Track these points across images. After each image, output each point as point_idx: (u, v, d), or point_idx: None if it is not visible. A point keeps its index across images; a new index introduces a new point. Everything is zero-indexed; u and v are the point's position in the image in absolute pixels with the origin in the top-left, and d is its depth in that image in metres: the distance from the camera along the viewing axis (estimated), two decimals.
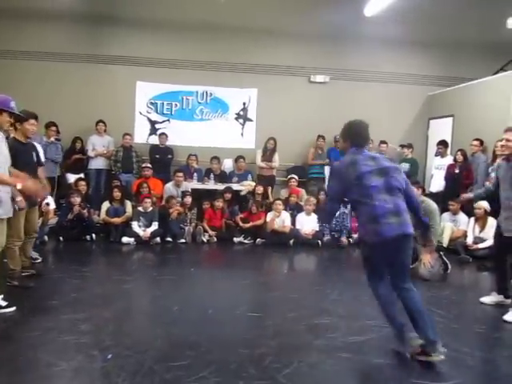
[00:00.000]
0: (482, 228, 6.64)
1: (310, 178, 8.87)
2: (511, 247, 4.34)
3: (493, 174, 4.85)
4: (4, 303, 3.91)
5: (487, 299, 4.56)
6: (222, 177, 8.55)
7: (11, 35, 8.62)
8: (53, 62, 8.76)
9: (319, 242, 7.29)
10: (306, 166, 9.06)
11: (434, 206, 5.73)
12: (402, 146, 8.70)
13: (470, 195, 5.13)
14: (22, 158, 4.35)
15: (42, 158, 5.11)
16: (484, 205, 6.51)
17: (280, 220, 7.37)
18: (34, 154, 4.68)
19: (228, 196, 7.77)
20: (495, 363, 3.39)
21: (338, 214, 7.43)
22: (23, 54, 8.67)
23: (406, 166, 8.47)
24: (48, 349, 3.22)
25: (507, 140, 4.24)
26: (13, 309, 3.93)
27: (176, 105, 9.25)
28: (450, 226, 6.86)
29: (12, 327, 3.56)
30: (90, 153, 8.36)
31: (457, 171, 7.50)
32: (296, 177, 8.42)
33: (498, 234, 4.45)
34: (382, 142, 8.76)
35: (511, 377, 3.17)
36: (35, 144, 4.92)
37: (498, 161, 4.67)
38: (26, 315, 3.84)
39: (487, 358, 3.43)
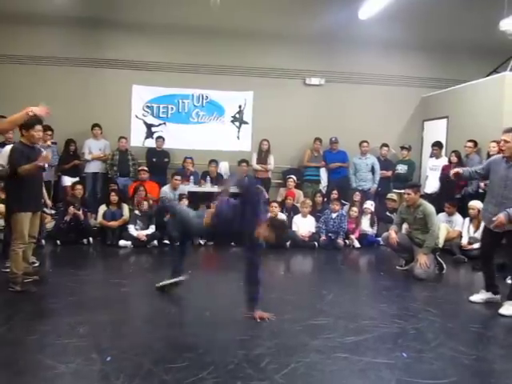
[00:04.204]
0: (477, 228, 6.69)
1: (305, 180, 8.91)
2: (498, 242, 4.43)
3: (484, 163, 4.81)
4: None
5: (476, 297, 4.60)
6: (219, 179, 8.59)
7: (6, 39, 8.62)
8: (48, 66, 8.76)
9: (316, 243, 7.33)
10: (302, 167, 9.10)
11: (431, 209, 5.77)
12: (402, 148, 8.74)
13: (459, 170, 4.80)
14: (31, 161, 4.40)
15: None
16: (478, 205, 6.57)
17: None
18: None
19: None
20: (490, 361, 3.43)
21: (335, 215, 7.49)
22: (18, 58, 8.66)
23: (403, 168, 8.54)
24: (47, 352, 3.23)
25: (505, 141, 4.22)
26: None
27: (172, 108, 9.28)
28: (446, 226, 6.91)
29: (10, 330, 3.56)
30: (87, 156, 8.38)
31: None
32: (294, 177, 8.47)
33: (488, 230, 4.48)
34: (384, 144, 8.83)
35: (505, 374, 3.20)
36: (40, 148, 5.00)
37: (495, 156, 4.57)
38: (23, 318, 3.85)
39: (482, 356, 3.46)
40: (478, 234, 6.63)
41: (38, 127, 4.52)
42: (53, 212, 6.38)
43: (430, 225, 5.66)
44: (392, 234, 5.87)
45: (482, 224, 5.99)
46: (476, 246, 6.56)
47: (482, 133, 7.38)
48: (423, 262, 5.50)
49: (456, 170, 4.79)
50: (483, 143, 7.33)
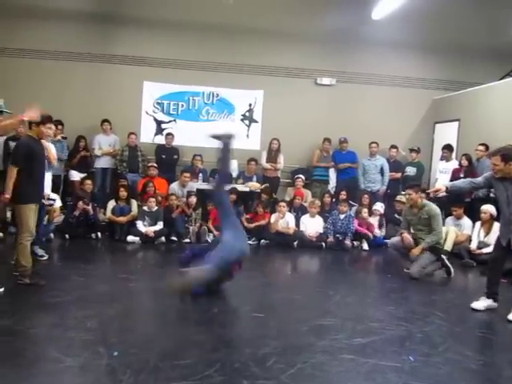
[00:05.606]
0: (487, 232, 6.63)
1: (314, 180, 8.89)
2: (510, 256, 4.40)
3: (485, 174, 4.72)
4: None
5: (479, 305, 4.47)
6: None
7: (18, 34, 8.68)
8: (60, 60, 8.80)
9: (323, 244, 7.31)
10: (311, 167, 9.08)
11: (436, 210, 5.83)
12: (411, 150, 8.69)
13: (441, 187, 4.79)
14: (37, 154, 4.45)
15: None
16: (490, 209, 6.52)
17: (284, 221, 7.39)
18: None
19: (233, 197, 7.77)
20: (497, 367, 3.40)
21: (343, 216, 7.46)
22: (31, 53, 8.72)
23: (412, 170, 8.49)
24: (54, 345, 3.26)
25: (494, 165, 4.31)
26: (1, 289, 4.13)
27: (182, 105, 9.29)
28: (454, 230, 6.88)
29: (18, 323, 3.58)
30: (97, 151, 8.41)
31: (461, 176, 7.49)
32: (303, 177, 8.46)
33: (503, 245, 4.38)
34: (393, 146, 8.79)
35: None
36: (47, 143, 5.08)
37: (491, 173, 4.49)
38: (32, 311, 3.88)
39: (490, 361, 3.44)
40: (488, 239, 6.58)
41: (49, 125, 4.56)
42: (51, 202, 6.21)
43: (435, 226, 5.73)
44: (405, 235, 5.87)
45: (495, 228, 5.92)
46: (485, 250, 6.51)
47: (494, 136, 7.29)
48: (415, 251, 5.63)
49: (437, 187, 4.86)
50: (495, 147, 7.21)
